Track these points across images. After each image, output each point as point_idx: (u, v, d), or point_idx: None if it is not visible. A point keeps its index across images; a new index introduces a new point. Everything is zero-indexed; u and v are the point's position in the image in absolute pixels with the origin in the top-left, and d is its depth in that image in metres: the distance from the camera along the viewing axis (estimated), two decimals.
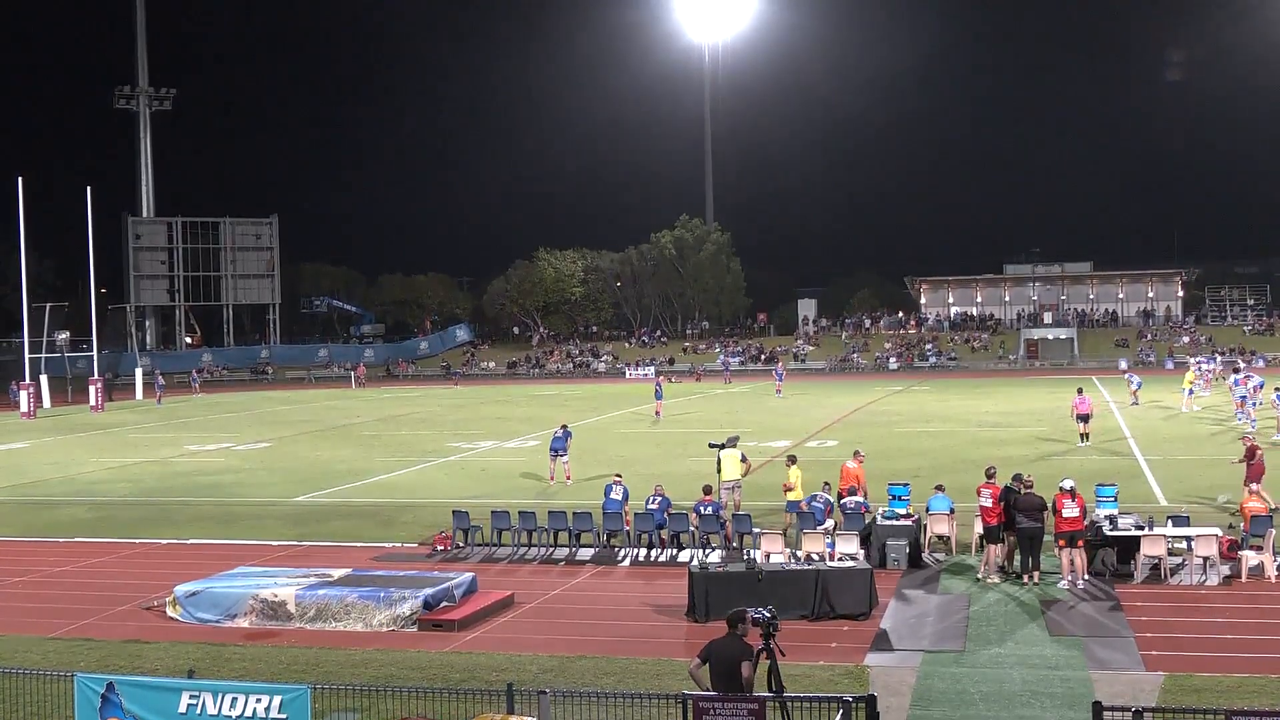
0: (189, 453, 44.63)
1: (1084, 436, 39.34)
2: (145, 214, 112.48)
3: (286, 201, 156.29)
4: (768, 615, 12.48)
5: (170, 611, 19.84)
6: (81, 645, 18.11)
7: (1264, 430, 40.61)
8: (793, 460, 26.43)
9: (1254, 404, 43.80)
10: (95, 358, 76.44)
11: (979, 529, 22.05)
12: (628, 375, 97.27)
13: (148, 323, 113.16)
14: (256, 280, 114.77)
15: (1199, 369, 58.49)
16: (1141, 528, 21.14)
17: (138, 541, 26.87)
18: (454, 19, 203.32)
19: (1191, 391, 52.35)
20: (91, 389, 70.62)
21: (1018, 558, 21.09)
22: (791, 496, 25.07)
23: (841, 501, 24.37)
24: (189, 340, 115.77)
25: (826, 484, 24.95)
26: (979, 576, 20.78)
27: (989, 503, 21.20)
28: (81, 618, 19.89)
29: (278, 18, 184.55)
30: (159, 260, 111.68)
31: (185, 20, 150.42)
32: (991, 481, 21.59)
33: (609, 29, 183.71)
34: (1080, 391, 41.34)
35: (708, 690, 12.06)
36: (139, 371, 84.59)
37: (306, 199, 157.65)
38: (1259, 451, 26.63)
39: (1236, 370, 51.62)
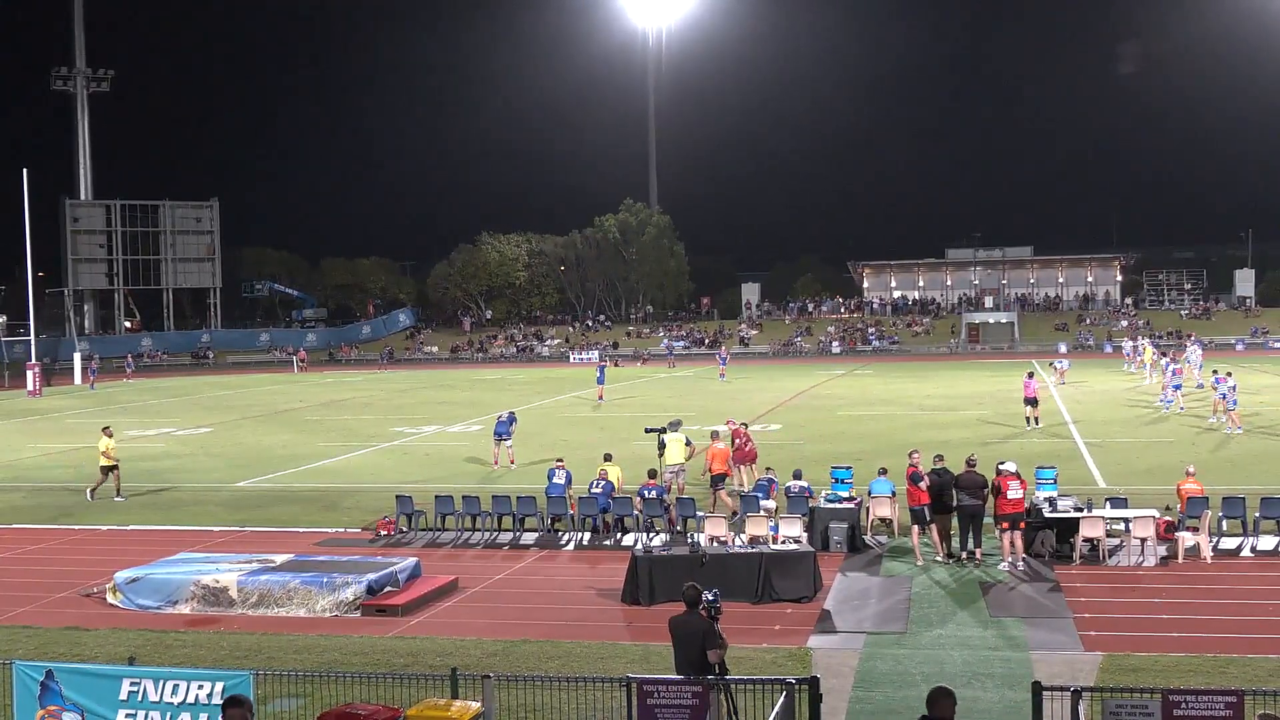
0: (130, 438, 44.10)
1: (1032, 420, 39.27)
2: (83, 197, 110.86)
3: (227, 185, 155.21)
4: (710, 598, 12.51)
5: (110, 598, 19.66)
6: (20, 632, 17.89)
7: (1201, 413, 41.21)
8: (608, 458, 26.46)
9: (1174, 386, 44.59)
10: (33, 342, 75.54)
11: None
12: (572, 360, 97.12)
13: (86, 307, 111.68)
14: (197, 264, 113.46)
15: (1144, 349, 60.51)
16: (1080, 510, 21.38)
17: (77, 528, 26.60)
18: (396, 3, 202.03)
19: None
20: (29, 374, 69.81)
21: (956, 538, 21.28)
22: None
23: (787, 485, 24.47)
24: (128, 325, 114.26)
25: (768, 468, 25.04)
26: (918, 564, 20.88)
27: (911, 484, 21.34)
28: (20, 605, 19.66)
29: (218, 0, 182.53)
30: (97, 244, 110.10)
31: (124, 1, 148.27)
32: (913, 463, 21.73)
33: (553, 12, 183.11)
34: (1030, 375, 41.60)
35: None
36: (77, 356, 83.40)
37: (248, 182, 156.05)
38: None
39: (1165, 354, 52.39)
